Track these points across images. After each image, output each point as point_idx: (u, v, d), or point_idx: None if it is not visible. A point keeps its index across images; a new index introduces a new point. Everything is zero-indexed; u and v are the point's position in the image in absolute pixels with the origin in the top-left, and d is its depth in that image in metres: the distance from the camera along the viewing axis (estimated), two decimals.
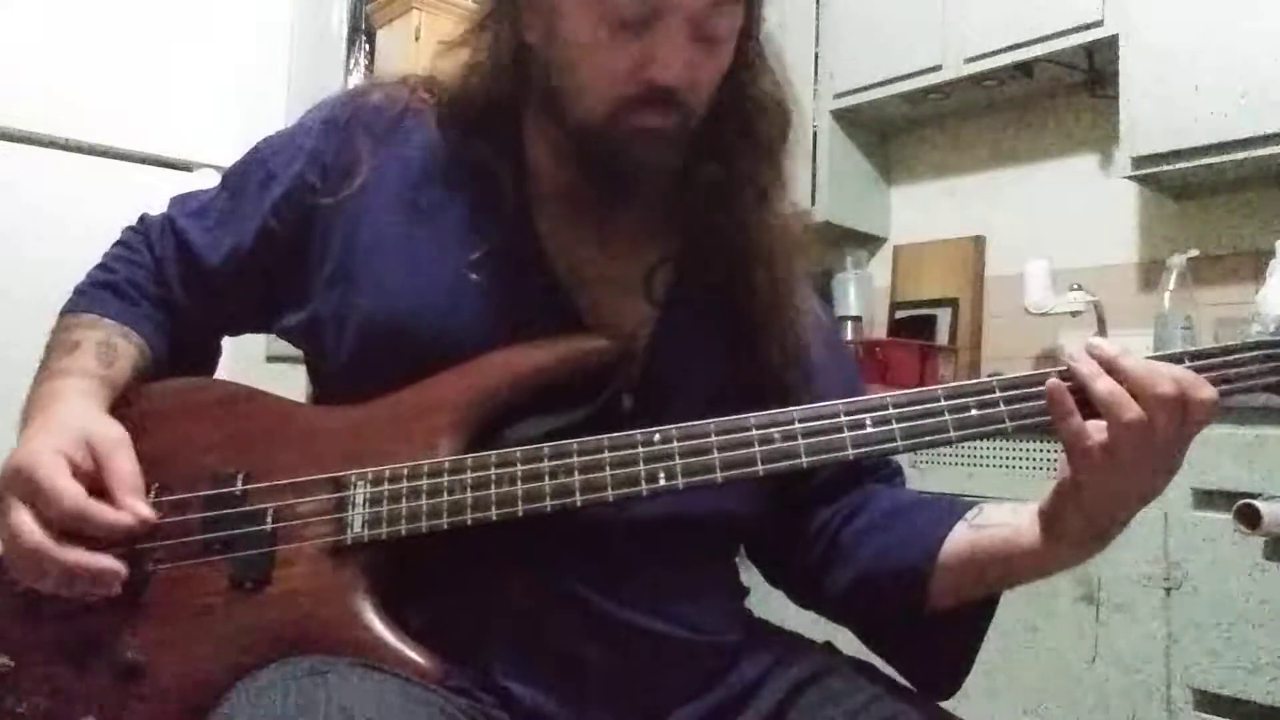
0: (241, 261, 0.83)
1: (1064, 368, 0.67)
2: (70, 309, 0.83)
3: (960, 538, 0.75)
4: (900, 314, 2.83)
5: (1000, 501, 0.76)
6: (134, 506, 0.69)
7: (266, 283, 0.83)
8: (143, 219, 0.90)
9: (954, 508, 0.77)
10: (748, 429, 0.69)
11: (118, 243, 0.89)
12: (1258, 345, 0.68)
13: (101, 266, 0.87)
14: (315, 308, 0.80)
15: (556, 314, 0.77)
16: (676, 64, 0.71)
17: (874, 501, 0.82)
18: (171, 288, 0.85)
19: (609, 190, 0.77)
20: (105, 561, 0.67)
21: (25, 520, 0.66)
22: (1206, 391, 0.64)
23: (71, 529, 0.67)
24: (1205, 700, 1.64)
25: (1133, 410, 0.63)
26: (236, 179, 0.86)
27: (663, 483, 0.68)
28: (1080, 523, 0.68)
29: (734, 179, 0.81)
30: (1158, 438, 0.64)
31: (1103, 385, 0.65)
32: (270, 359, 2.20)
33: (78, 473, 0.68)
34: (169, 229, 0.86)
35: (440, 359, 0.74)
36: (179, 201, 0.89)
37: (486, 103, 0.80)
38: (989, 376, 0.70)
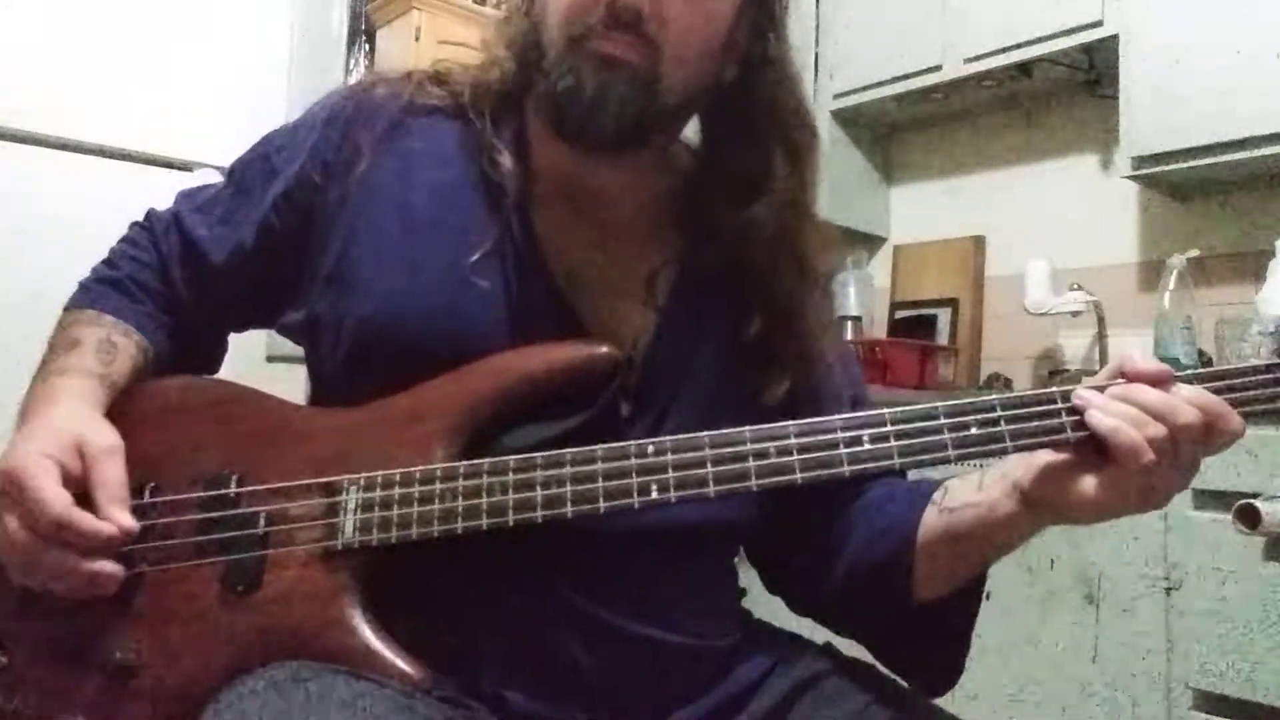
0: (244, 259, 0.82)
1: (1071, 404, 0.66)
2: (73, 305, 0.83)
3: (934, 523, 0.74)
4: (900, 314, 2.83)
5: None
6: (116, 517, 0.68)
7: (267, 280, 0.83)
8: (149, 215, 0.89)
9: (921, 491, 0.77)
10: (743, 443, 0.68)
11: (124, 239, 0.89)
12: (1268, 369, 0.66)
13: (107, 262, 0.87)
14: (313, 307, 0.79)
15: (556, 318, 0.76)
16: None
17: (857, 500, 0.81)
18: (176, 285, 0.85)
19: (581, 137, 0.75)
20: (103, 566, 0.67)
21: (12, 527, 0.67)
22: (1235, 423, 0.65)
23: (55, 536, 0.66)
24: (1205, 700, 1.64)
25: (1154, 429, 0.63)
26: (241, 174, 0.86)
27: (655, 495, 0.67)
28: (1073, 518, 0.68)
29: (756, 180, 0.79)
30: (1181, 464, 0.64)
31: (1118, 408, 0.64)
32: (270, 359, 2.20)
33: (67, 478, 0.68)
34: (174, 226, 0.86)
35: (438, 362, 0.73)
36: (186, 197, 0.89)
37: (498, 95, 0.80)
38: (991, 395, 0.68)
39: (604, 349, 0.74)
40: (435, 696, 0.67)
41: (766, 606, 0.88)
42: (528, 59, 0.79)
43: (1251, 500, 1.52)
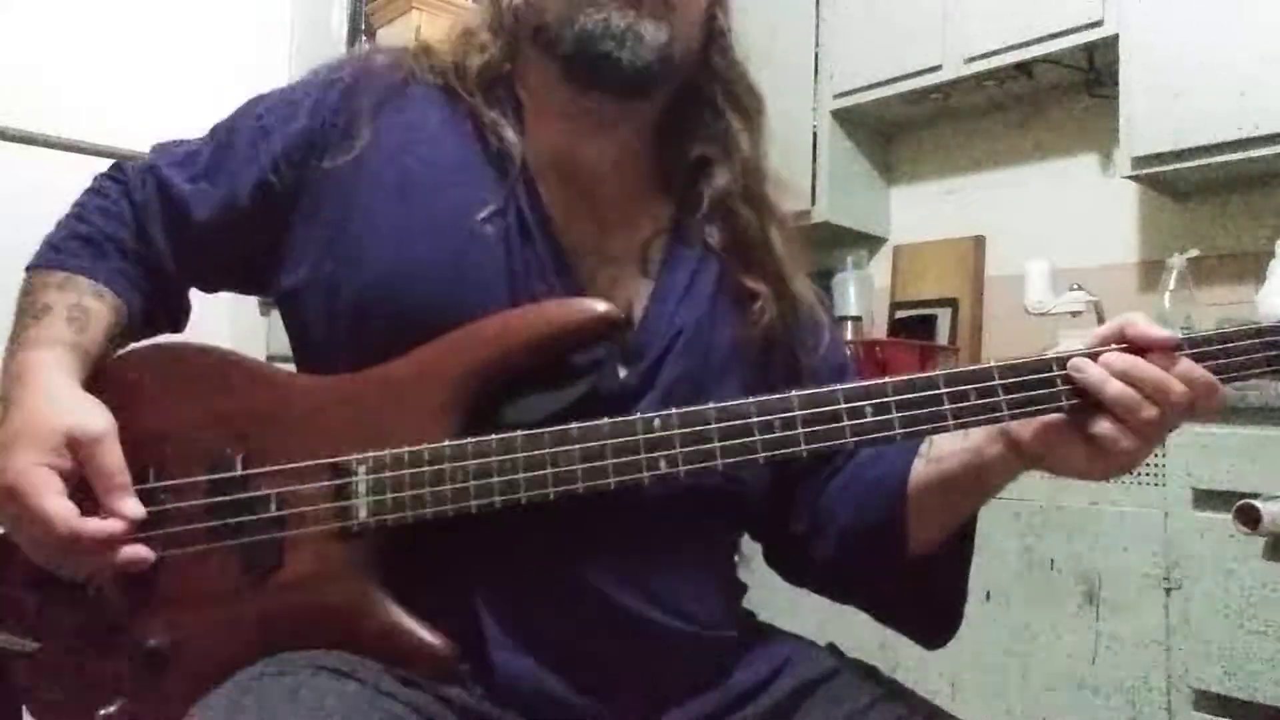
0: (233, 216, 0.80)
1: (1066, 372, 0.68)
2: (40, 264, 0.80)
3: (923, 474, 0.77)
4: (900, 314, 2.83)
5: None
6: (119, 508, 0.68)
7: (255, 240, 0.81)
8: (119, 166, 0.86)
9: (908, 446, 0.79)
10: (748, 416, 0.69)
11: (91, 190, 0.85)
12: (1258, 332, 0.68)
13: (76, 216, 0.83)
14: (309, 272, 0.78)
15: (557, 280, 0.76)
16: None
17: (848, 461, 0.84)
18: (152, 241, 0.82)
19: (609, 72, 0.76)
20: (126, 554, 0.68)
21: (29, 536, 0.68)
22: (1219, 400, 0.67)
23: (70, 548, 0.67)
24: (1205, 700, 1.64)
25: (1147, 412, 0.65)
26: (227, 132, 0.84)
27: (663, 469, 0.69)
28: (1056, 472, 0.71)
29: (725, 148, 0.84)
30: (1163, 432, 0.67)
31: (1113, 389, 0.66)
32: (270, 359, 2.20)
33: (65, 478, 0.68)
34: (150, 177, 0.83)
35: (440, 329, 0.73)
36: (162, 150, 0.86)
37: (485, 77, 0.81)
38: (990, 363, 0.70)
39: (603, 307, 0.73)
40: (456, 674, 0.69)
41: (768, 609, 0.88)
42: (517, 34, 0.81)
43: (1251, 500, 1.52)
